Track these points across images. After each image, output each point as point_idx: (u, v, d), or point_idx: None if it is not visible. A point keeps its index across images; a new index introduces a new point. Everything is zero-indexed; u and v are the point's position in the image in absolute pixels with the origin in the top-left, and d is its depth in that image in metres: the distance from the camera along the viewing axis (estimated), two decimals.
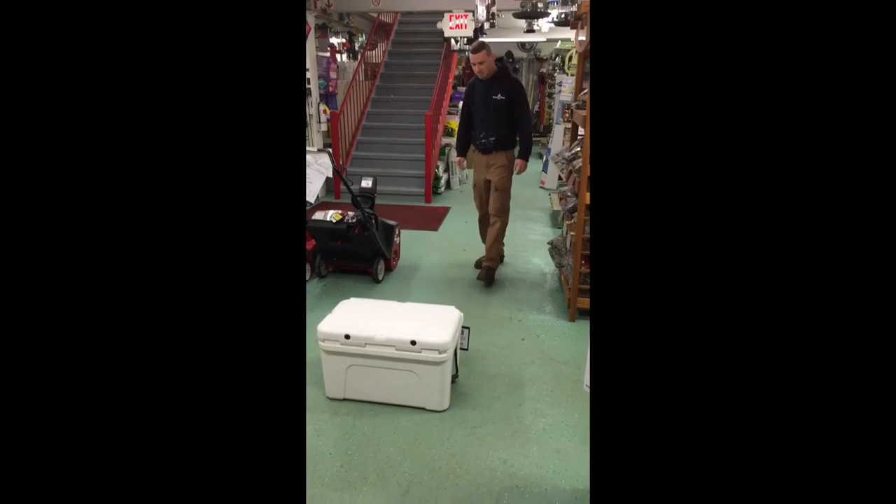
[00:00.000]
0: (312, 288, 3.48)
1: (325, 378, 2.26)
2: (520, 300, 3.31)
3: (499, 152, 3.37)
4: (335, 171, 3.11)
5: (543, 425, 2.12)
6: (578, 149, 3.18)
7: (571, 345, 2.76)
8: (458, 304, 2.50)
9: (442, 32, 5.64)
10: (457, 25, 5.31)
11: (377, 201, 3.65)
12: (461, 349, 2.40)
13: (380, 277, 3.55)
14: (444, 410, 2.19)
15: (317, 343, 2.21)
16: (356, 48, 7.92)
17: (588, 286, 2.86)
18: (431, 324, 2.20)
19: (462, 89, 7.97)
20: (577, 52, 3.92)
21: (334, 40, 7.49)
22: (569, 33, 5.14)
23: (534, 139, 9.04)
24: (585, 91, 3.13)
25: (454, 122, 6.89)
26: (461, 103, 3.91)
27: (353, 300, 2.49)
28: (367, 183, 3.58)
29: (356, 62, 7.21)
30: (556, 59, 8.10)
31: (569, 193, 3.42)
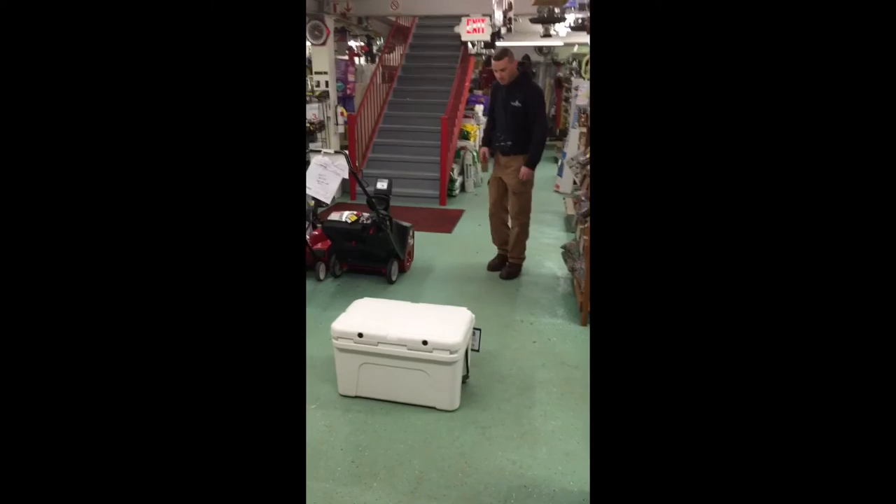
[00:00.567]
0: (327, 287, 3.53)
1: (338, 375, 2.30)
2: (532, 303, 3.32)
3: (516, 156, 3.47)
4: (351, 172, 3.15)
5: (553, 427, 2.14)
6: None
7: (583, 349, 2.76)
8: (470, 306, 2.52)
9: (459, 36, 5.69)
10: (474, 30, 5.35)
11: (392, 203, 3.70)
12: (472, 350, 2.42)
13: (393, 278, 3.59)
14: (455, 410, 2.22)
15: (330, 341, 2.25)
16: (374, 51, 8.00)
17: None
18: (443, 324, 2.23)
19: (479, 93, 8.01)
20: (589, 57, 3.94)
21: (353, 43, 7.58)
22: (586, 38, 5.15)
23: (550, 143, 9.04)
24: None
25: (470, 126, 6.93)
26: (486, 104, 3.99)
27: (366, 300, 2.53)
28: (382, 185, 3.63)
29: (374, 65, 7.28)
30: (573, 64, 8.09)
31: (583, 198, 3.42)
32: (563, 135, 7.70)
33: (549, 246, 4.38)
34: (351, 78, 6.46)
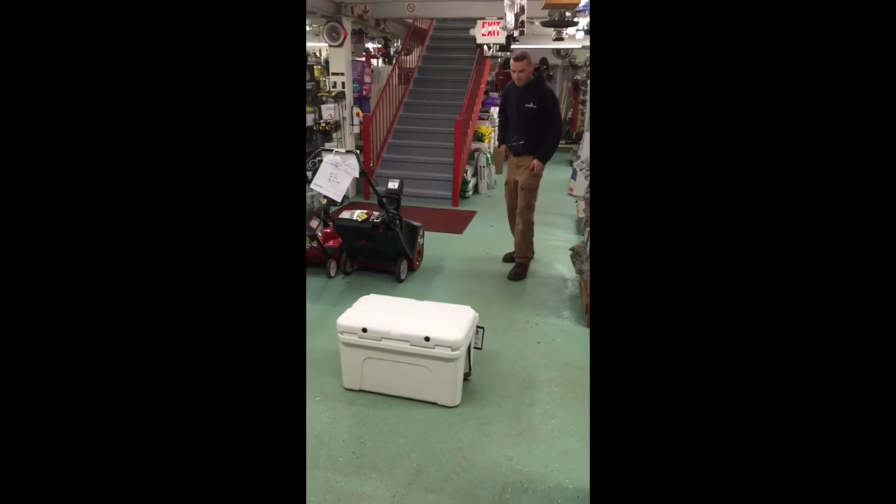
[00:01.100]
0: (337, 284, 3.59)
1: (343, 369, 2.35)
2: (539, 304, 3.34)
3: (527, 156, 3.59)
4: (362, 172, 3.22)
5: (552, 426, 2.16)
6: None
7: (587, 350, 2.77)
8: (477, 306, 2.56)
9: (475, 39, 5.73)
10: (489, 32, 5.38)
11: (405, 203, 3.76)
12: (475, 348, 2.45)
13: (402, 276, 3.64)
14: (456, 406, 2.25)
15: (336, 335, 2.31)
16: (391, 53, 8.09)
17: None
18: (446, 322, 2.27)
19: (494, 95, 8.03)
20: None
21: (370, 45, 7.67)
22: None
23: (565, 146, 9.01)
24: None
25: (485, 128, 6.96)
26: (499, 104, 4.08)
27: (372, 296, 2.59)
28: (393, 185, 3.69)
29: (391, 67, 7.36)
30: (589, 67, 8.06)
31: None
32: (580, 137, 7.69)
33: (559, 248, 4.39)
34: (367, 79, 6.54)
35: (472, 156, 6.44)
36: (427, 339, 2.17)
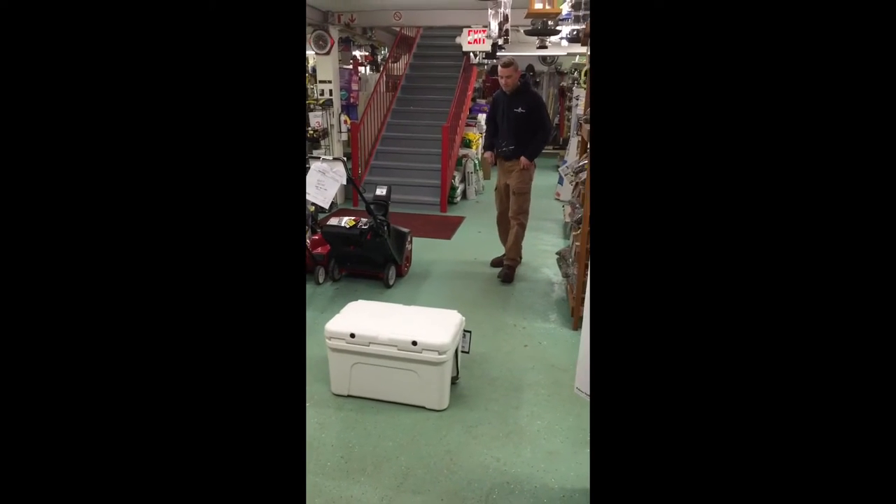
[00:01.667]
0: (325, 291, 3.61)
1: (332, 375, 2.37)
2: (526, 308, 3.38)
3: (518, 159, 3.69)
4: (349, 179, 3.25)
5: (538, 427, 2.19)
6: (586, 161, 3.26)
7: (573, 352, 2.81)
8: (465, 310, 2.59)
9: (461, 47, 5.79)
10: (475, 40, 5.44)
11: (393, 209, 3.79)
12: (462, 352, 2.48)
13: (390, 282, 3.66)
14: (443, 410, 2.28)
15: (325, 341, 2.33)
16: (379, 61, 8.13)
17: None
18: (433, 326, 2.30)
19: (481, 102, 8.10)
20: (587, 67, 4.02)
21: (357, 53, 7.71)
22: (584, 48, 5.22)
23: (552, 151, 9.09)
24: None
25: (472, 134, 7.02)
26: (487, 113, 4.19)
27: (360, 302, 2.61)
28: (381, 191, 3.73)
29: (378, 74, 7.41)
30: (575, 73, 8.18)
31: (577, 205, 3.49)
32: (566, 143, 7.77)
33: (546, 252, 4.44)
34: (355, 87, 6.58)
35: (459, 162, 6.49)
36: (414, 343, 2.19)
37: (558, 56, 9.71)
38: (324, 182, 3.11)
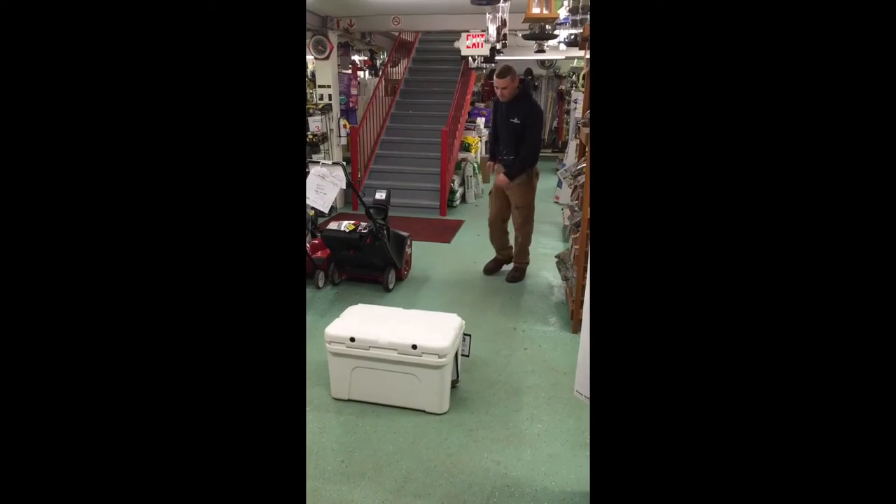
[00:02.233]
0: (325, 295, 3.61)
1: (332, 379, 2.37)
2: (525, 311, 3.38)
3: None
4: (349, 183, 3.25)
5: (538, 430, 2.19)
6: (584, 164, 3.27)
7: (572, 355, 2.81)
8: (465, 314, 2.60)
9: (459, 51, 5.82)
10: (473, 45, 5.47)
11: (393, 213, 3.80)
12: (462, 355, 2.48)
13: (390, 286, 3.67)
14: (444, 413, 2.28)
15: (325, 346, 2.33)
16: (377, 65, 8.16)
17: None
18: (433, 330, 2.30)
19: (480, 106, 8.13)
20: (585, 71, 4.03)
21: (356, 58, 7.74)
22: (583, 52, 5.25)
23: (551, 154, 9.10)
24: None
25: (471, 138, 7.04)
26: (487, 116, 4.12)
27: (360, 306, 2.61)
28: (381, 195, 3.74)
29: (377, 79, 7.43)
30: (573, 77, 8.21)
31: (575, 208, 3.50)
32: (565, 146, 7.80)
33: (546, 256, 4.44)
34: (354, 91, 6.60)
35: (458, 165, 6.50)
36: (414, 347, 2.20)
37: (556, 60, 9.74)
38: (323, 186, 3.12)
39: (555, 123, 10.30)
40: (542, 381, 2.57)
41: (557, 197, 6.76)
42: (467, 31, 5.57)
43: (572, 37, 3.55)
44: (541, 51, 4.87)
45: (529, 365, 2.72)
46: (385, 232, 3.55)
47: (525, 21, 3.36)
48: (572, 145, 6.41)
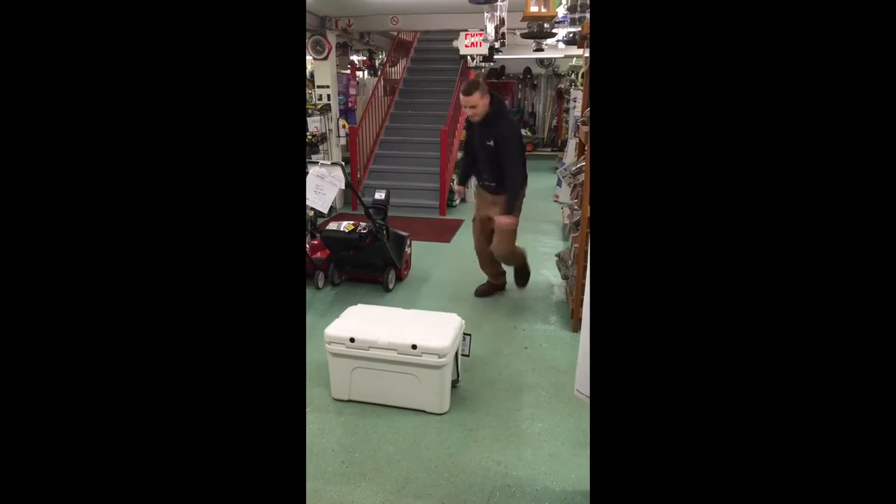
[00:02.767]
0: (325, 295, 3.61)
1: (332, 380, 2.37)
2: (525, 311, 3.38)
3: (502, 194, 3.18)
4: (348, 183, 3.25)
5: (539, 430, 2.19)
6: (583, 163, 3.27)
7: (573, 354, 2.81)
8: (465, 313, 2.59)
9: (458, 50, 5.82)
10: (472, 44, 5.47)
11: (392, 213, 3.79)
12: (462, 355, 2.48)
13: (390, 286, 3.67)
14: (444, 413, 2.28)
15: (325, 346, 2.33)
16: (376, 65, 8.16)
17: None
18: (433, 329, 2.30)
19: None
20: (584, 69, 4.03)
21: (355, 58, 7.73)
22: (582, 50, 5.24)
23: (551, 153, 9.09)
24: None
25: None
26: (465, 139, 3.77)
27: (360, 306, 2.61)
28: (380, 195, 3.73)
29: (376, 78, 7.43)
30: (572, 76, 8.21)
31: (575, 207, 3.49)
32: (564, 145, 7.80)
33: (546, 255, 4.44)
34: (353, 91, 6.60)
35: (457, 165, 6.50)
36: (414, 347, 2.19)
37: (555, 58, 9.74)
38: (322, 187, 3.12)
39: (554, 122, 10.29)
40: (543, 380, 2.57)
41: (557, 196, 6.75)
42: (466, 31, 5.57)
43: (571, 35, 3.54)
44: (539, 49, 4.86)
45: (530, 364, 2.72)
46: (385, 232, 3.54)
47: (523, 20, 3.36)
48: (571, 144, 6.40)
